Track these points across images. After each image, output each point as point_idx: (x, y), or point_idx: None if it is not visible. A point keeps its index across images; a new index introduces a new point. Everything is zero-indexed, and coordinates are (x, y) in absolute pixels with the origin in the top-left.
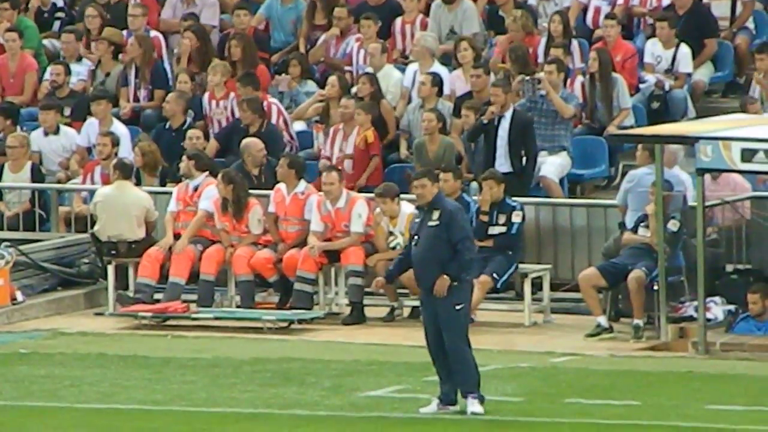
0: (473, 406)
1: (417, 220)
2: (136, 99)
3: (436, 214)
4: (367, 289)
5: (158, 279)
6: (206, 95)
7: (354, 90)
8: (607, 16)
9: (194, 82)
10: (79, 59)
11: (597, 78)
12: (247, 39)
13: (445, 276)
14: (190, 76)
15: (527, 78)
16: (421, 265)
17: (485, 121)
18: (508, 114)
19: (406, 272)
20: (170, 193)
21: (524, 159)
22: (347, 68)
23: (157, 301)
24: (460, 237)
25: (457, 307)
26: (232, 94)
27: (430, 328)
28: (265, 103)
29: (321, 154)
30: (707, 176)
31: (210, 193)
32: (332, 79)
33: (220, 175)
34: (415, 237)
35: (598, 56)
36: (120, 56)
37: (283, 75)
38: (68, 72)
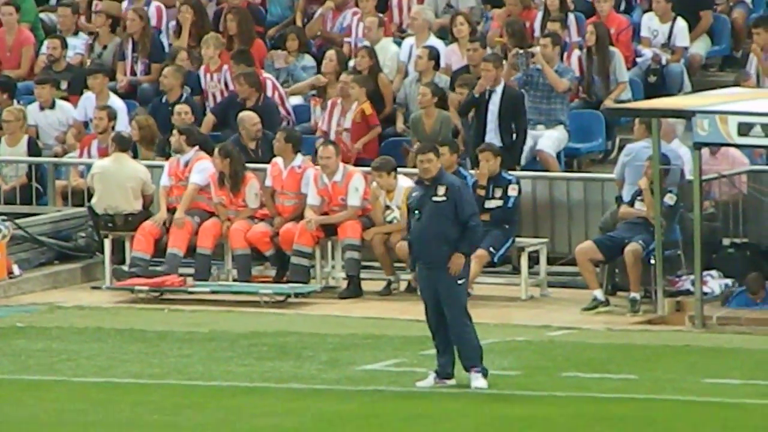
0: (477, 380)
1: (415, 194)
2: (133, 73)
3: (441, 190)
4: (363, 263)
5: (153, 253)
6: (202, 68)
7: (352, 63)
8: None
9: (190, 56)
10: (75, 33)
11: (594, 51)
12: (243, 13)
13: (459, 254)
14: (187, 51)
15: (521, 51)
16: (423, 241)
17: (476, 95)
18: (499, 89)
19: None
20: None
21: (514, 134)
22: (346, 39)
23: (153, 274)
24: (470, 213)
25: (459, 282)
26: (225, 67)
27: (430, 302)
28: (268, 82)
29: (318, 128)
30: (706, 150)
31: (201, 166)
32: (330, 53)
33: (216, 149)
34: (416, 212)
35: (596, 30)
36: (117, 29)
37: (279, 50)
38: (65, 46)
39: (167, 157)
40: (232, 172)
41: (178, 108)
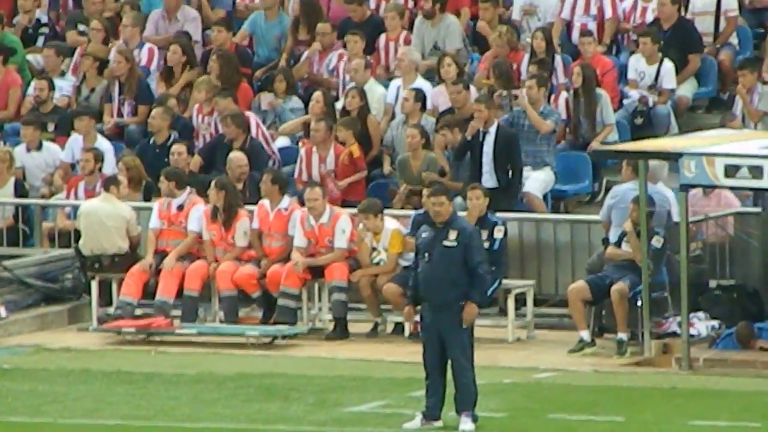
0: (465, 424)
1: (425, 235)
2: (120, 114)
3: (453, 234)
4: (350, 305)
5: (141, 296)
6: (194, 108)
7: (341, 104)
8: (582, 33)
9: (178, 99)
10: (62, 74)
11: (580, 93)
12: (226, 56)
13: (472, 303)
14: (177, 97)
15: (504, 93)
16: (432, 284)
17: (469, 138)
18: (493, 129)
19: (398, 288)
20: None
21: (510, 173)
22: (334, 80)
23: (139, 316)
24: (480, 260)
25: (464, 326)
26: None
27: (431, 342)
28: (251, 120)
29: (297, 177)
30: (698, 191)
31: (197, 213)
32: (317, 94)
33: (213, 182)
34: (426, 254)
35: (582, 71)
36: (105, 71)
37: (266, 93)
38: (52, 87)
39: (156, 197)
40: (226, 205)
41: (174, 148)
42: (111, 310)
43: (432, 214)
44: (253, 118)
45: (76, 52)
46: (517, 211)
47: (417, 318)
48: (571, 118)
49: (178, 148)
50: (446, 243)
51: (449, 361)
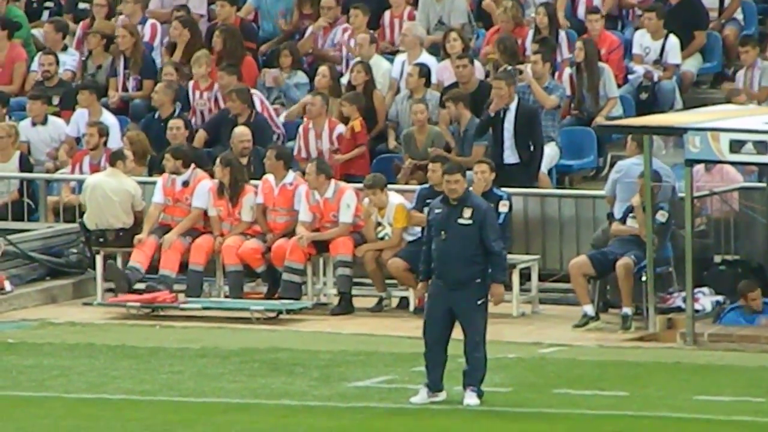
0: (471, 398)
1: (438, 212)
2: (125, 89)
3: (467, 212)
4: (355, 279)
5: (147, 268)
6: (190, 85)
7: (345, 79)
8: (589, 11)
9: (179, 72)
10: (64, 49)
11: (583, 68)
12: (230, 31)
13: (496, 284)
14: (176, 67)
15: (509, 68)
16: (448, 261)
17: (491, 114)
18: (513, 106)
19: (403, 263)
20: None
21: (531, 149)
22: (339, 54)
23: (141, 290)
24: (494, 238)
25: (479, 302)
26: (216, 85)
27: (435, 318)
28: (254, 97)
29: (297, 155)
30: (701, 167)
31: (203, 189)
32: (323, 69)
33: (218, 159)
34: (441, 232)
35: (584, 46)
36: (111, 47)
37: (271, 69)
38: (57, 61)
39: (160, 173)
40: (231, 181)
41: (171, 123)
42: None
43: (447, 192)
44: (257, 95)
45: (78, 27)
46: (522, 186)
47: None
48: (575, 93)
49: (176, 123)
50: (461, 221)
51: (464, 337)
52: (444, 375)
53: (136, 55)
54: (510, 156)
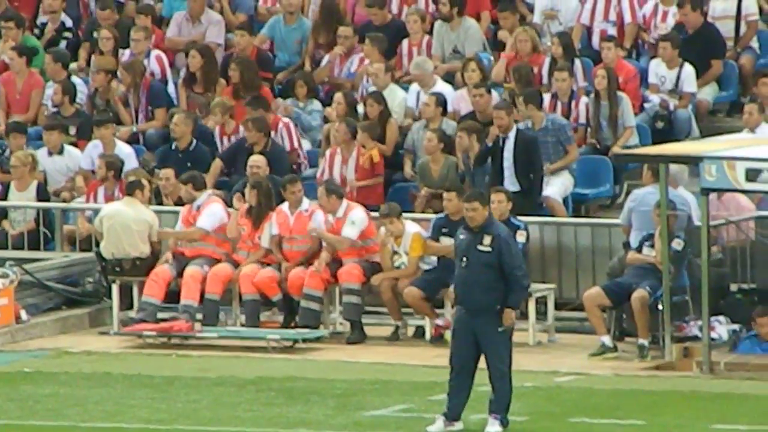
0: (493, 425)
1: (462, 237)
2: (136, 120)
3: (487, 240)
4: (371, 308)
5: (164, 299)
6: (216, 131)
7: (360, 110)
8: (604, 39)
9: (198, 103)
10: (68, 77)
11: (602, 96)
12: (246, 63)
13: (509, 309)
14: (189, 95)
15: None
16: (468, 288)
17: (489, 144)
18: (512, 134)
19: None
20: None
21: (531, 177)
22: (354, 83)
23: (162, 320)
24: (515, 265)
25: (500, 330)
26: (242, 129)
27: (463, 344)
28: (280, 124)
29: (319, 179)
30: (712, 195)
31: (211, 210)
32: (338, 96)
33: (249, 181)
34: (463, 258)
35: (607, 74)
36: (114, 82)
37: (281, 99)
38: (67, 91)
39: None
40: (258, 204)
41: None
42: (132, 313)
43: (467, 220)
44: (287, 125)
45: (93, 55)
46: (537, 215)
47: (438, 321)
48: (591, 121)
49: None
50: (480, 248)
51: (487, 366)
52: (465, 405)
53: (140, 88)
54: (510, 185)
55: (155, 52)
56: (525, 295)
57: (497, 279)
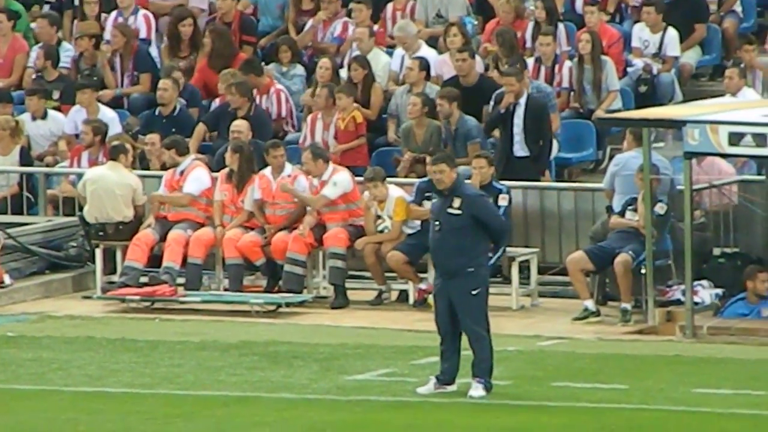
0: (475, 390)
1: (435, 202)
2: (121, 84)
3: (457, 202)
4: (354, 273)
5: (146, 263)
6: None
7: (343, 74)
8: (587, 3)
9: (183, 70)
10: (58, 43)
11: (586, 60)
12: (218, 31)
13: None
14: (177, 64)
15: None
16: (441, 252)
17: (502, 111)
18: (522, 100)
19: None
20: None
21: (540, 143)
22: (338, 48)
23: (144, 284)
24: (493, 214)
25: (473, 292)
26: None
27: (442, 309)
28: (272, 89)
29: (301, 143)
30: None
31: (196, 175)
32: (324, 61)
33: (229, 146)
34: (436, 222)
35: (591, 38)
36: (101, 45)
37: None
38: (50, 55)
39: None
40: (240, 168)
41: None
42: (115, 278)
43: (434, 182)
44: (283, 92)
45: (75, 21)
46: (521, 179)
47: (421, 285)
48: (575, 86)
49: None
50: (450, 211)
51: (464, 329)
52: (457, 368)
53: (129, 53)
54: (520, 150)
55: (143, 11)
56: (505, 236)
57: (468, 242)
